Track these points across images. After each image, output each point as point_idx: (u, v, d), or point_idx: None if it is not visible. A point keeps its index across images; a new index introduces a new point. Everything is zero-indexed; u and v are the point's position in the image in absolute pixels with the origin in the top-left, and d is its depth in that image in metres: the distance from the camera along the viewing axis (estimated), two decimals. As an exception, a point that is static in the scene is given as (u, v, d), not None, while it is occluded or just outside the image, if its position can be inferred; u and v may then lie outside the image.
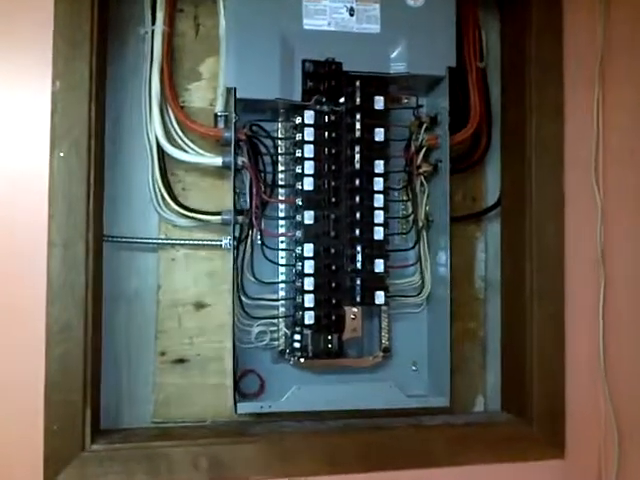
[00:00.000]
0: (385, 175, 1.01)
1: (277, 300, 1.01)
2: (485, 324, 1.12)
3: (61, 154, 0.89)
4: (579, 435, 1.04)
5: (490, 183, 1.13)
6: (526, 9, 1.05)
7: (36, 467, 0.88)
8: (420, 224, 1.05)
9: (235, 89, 0.95)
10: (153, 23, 1.00)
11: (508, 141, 1.10)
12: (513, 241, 1.08)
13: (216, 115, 1.00)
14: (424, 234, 1.05)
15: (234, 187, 0.96)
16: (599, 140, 1.08)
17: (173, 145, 0.99)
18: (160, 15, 1.00)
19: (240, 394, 1.00)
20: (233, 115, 0.95)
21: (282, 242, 1.02)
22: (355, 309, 1.02)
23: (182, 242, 1.02)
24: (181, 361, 1.02)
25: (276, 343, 1.02)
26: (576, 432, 1.04)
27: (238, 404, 0.96)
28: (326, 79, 0.98)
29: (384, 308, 1.04)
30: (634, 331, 1.09)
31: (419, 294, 1.06)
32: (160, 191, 0.99)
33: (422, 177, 1.05)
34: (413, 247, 1.05)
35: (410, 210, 1.06)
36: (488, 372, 1.12)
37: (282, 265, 1.01)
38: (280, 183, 1.01)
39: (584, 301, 1.06)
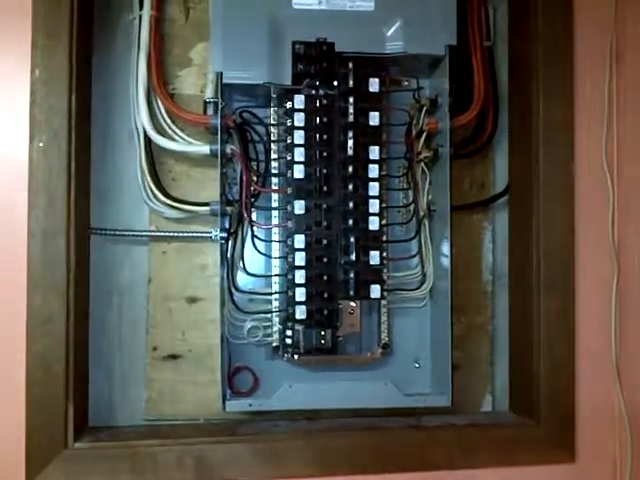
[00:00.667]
0: (381, 162, 0.96)
1: (269, 294, 0.97)
2: (494, 319, 1.05)
3: (40, 144, 0.87)
4: (591, 438, 0.97)
5: (499, 169, 1.06)
6: (533, -15, 0.98)
7: (18, 465, 0.86)
8: (421, 213, 0.99)
9: (221, 73, 0.92)
10: (141, 8, 0.97)
11: (515, 125, 1.03)
12: (520, 231, 1.01)
13: (205, 102, 0.97)
14: (426, 224, 0.99)
15: (221, 176, 0.92)
16: (611, 124, 1.00)
17: (161, 134, 0.96)
18: (148, 0, 0.97)
19: (234, 391, 0.97)
20: (219, 101, 0.92)
21: (275, 233, 0.98)
22: (353, 303, 0.97)
23: (171, 234, 0.99)
24: (173, 357, 1.00)
25: (270, 339, 0.98)
26: (588, 434, 0.97)
27: (227, 402, 0.93)
28: (317, 61, 0.93)
29: (383, 302, 0.99)
30: (650, 327, 1.02)
31: (419, 287, 1.00)
32: (148, 182, 0.96)
33: (423, 164, 0.99)
34: (412, 238, 0.99)
35: (411, 199, 1.01)
36: (497, 370, 1.05)
37: (273, 257, 0.97)
38: (273, 172, 0.97)
39: (596, 295, 0.99)
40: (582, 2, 1.00)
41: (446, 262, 0.96)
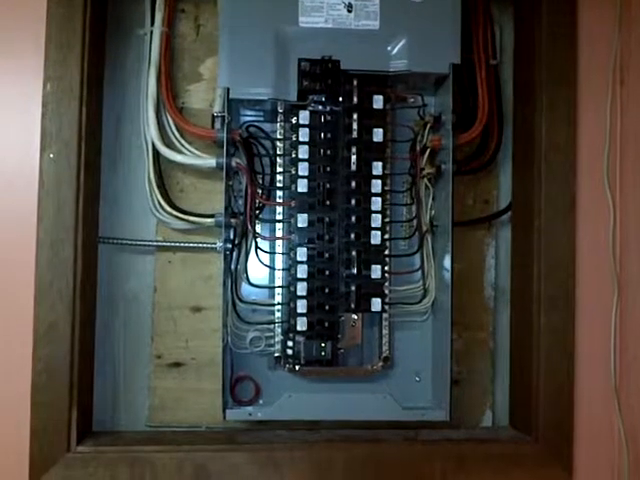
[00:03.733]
0: (384, 177, 0.97)
1: (271, 305, 0.99)
2: (495, 334, 1.06)
3: (51, 156, 0.90)
4: (588, 455, 0.97)
5: (503, 186, 1.07)
6: (538, 5, 0.98)
7: (22, 467, 0.88)
8: (424, 228, 1.00)
9: (228, 89, 0.94)
10: (152, 24, 1.00)
11: (518, 143, 1.04)
12: (522, 247, 1.02)
13: (213, 116, 0.99)
14: (428, 239, 1.00)
15: (225, 188, 0.95)
16: (613, 143, 1.01)
17: (170, 147, 0.99)
18: (159, 16, 0.99)
19: (235, 400, 0.99)
20: (226, 116, 0.94)
21: (279, 245, 0.99)
22: (355, 316, 0.99)
23: (177, 245, 1.01)
24: (177, 365, 1.01)
25: (272, 349, 0.99)
26: (585, 451, 0.97)
27: (227, 411, 0.94)
28: (323, 78, 0.95)
29: (385, 316, 1.00)
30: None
31: (420, 301, 1.01)
32: (155, 193, 0.99)
33: (427, 180, 1.00)
34: (415, 253, 1.00)
35: (414, 214, 1.02)
36: (497, 385, 1.06)
37: (276, 269, 0.99)
38: (278, 185, 0.99)
39: (596, 312, 0.99)
40: (586, 24, 1.01)
41: (448, 277, 0.97)
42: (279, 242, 0.99)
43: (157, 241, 1.01)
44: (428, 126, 0.99)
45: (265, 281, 1.01)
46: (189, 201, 1.02)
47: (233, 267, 0.97)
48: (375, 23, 0.96)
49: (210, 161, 0.97)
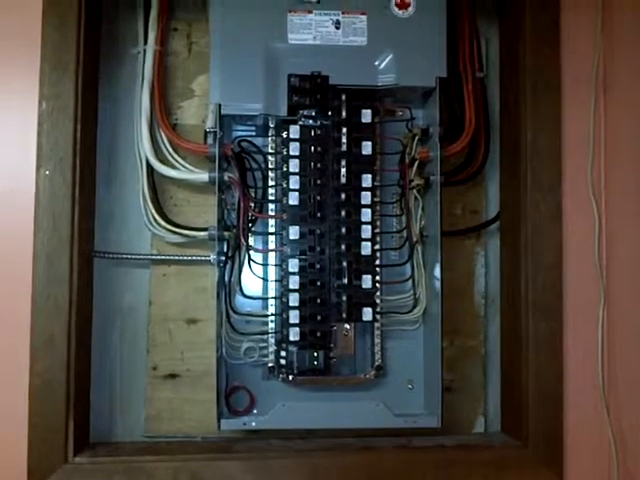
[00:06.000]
0: (373, 189, 0.99)
1: (265, 316, 1.00)
2: (486, 342, 1.08)
3: (46, 172, 0.92)
4: (578, 459, 0.99)
5: (491, 196, 1.09)
6: (521, 17, 1.01)
7: (20, 477, 0.90)
8: (414, 239, 1.02)
9: (220, 105, 0.96)
10: (146, 43, 1.02)
11: (505, 153, 1.07)
12: (510, 256, 1.04)
13: (206, 131, 1.01)
14: (418, 249, 1.02)
15: (218, 202, 0.97)
16: (597, 152, 1.03)
17: (163, 162, 1.01)
18: (152, 35, 1.01)
19: (230, 410, 1.00)
20: (217, 131, 0.96)
21: (272, 257, 1.01)
22: (347, 326, 1.00)
23: (172, 258, 1.03)
24: (172, 376, 1.03)
25: (266, 359, 1.01)
26: (575, 456, 0.99)
27: (222, 421, 0.96)
28: (312, 93, 0.97)
29: (377, 325, 1.02)
30: (636, 350, 1.03)
31: (411, 311, 1.03)
32: (150, 208, 1.00)
33: (416, 191, 1.02)
34: (405, 262, 1.02)
35: (404, 224, 1.03)
36: (489, 392, 1.07)
37: (269, 280, 1.00)
38: (270, 198, 1.01)
39: (584, 318, 1.01)
40: (569, 35, 1.03)
41: (438, 286, 0.98)
42: (271, 254, 1.01)
43: (152, 255, 1.03)
44: (416, 138, 1.01)
45: (258, 292, 1.02)
46: (183, 215, 1.04)
47: (227, 279, 0.98)
48: (362, 39, 0.98)
49: (203, 176, 0.99)
